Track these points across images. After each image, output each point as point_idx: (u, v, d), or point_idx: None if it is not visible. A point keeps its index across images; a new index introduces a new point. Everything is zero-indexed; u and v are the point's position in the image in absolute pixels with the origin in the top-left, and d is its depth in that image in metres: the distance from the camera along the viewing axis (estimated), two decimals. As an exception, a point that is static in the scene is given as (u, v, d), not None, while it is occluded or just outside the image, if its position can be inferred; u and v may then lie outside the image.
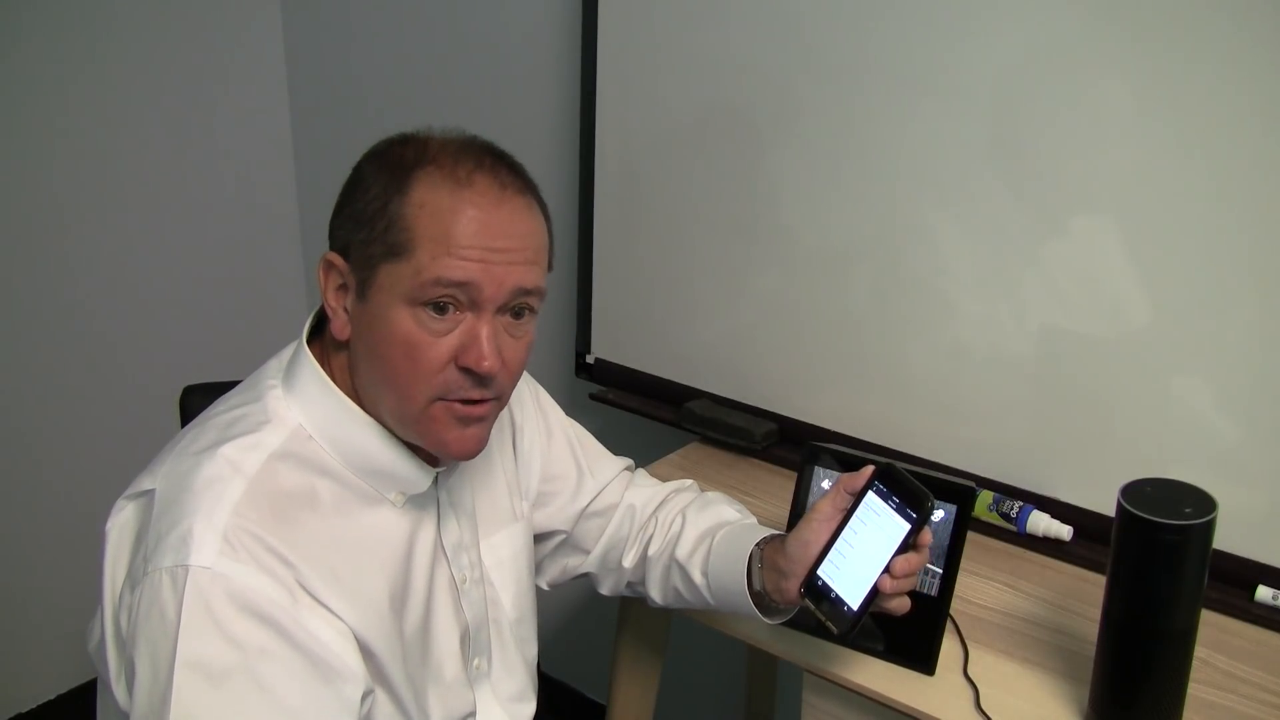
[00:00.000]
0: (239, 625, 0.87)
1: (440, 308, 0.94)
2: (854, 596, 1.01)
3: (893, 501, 1.02)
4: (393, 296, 0.94)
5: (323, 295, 0.99)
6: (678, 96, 1.67)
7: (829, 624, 1.02)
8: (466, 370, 0.95)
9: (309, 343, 1.02)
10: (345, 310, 0.97)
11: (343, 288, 0.97)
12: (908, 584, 1.02)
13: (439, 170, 0.95)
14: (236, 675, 0.87)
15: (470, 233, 0.93)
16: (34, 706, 2.24)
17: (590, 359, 1.88)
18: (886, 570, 1.00)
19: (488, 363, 0.94)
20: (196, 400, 1.34)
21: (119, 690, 0.93)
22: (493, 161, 0.98)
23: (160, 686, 0.86)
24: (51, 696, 2.25)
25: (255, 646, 0.88)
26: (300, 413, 0.98)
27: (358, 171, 0.99)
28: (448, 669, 1.07)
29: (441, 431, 0.97)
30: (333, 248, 0.98)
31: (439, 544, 1.07)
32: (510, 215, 0.96)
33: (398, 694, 1.00)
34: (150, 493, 0.95)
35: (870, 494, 1.04)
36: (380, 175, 0.96)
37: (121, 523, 0.96)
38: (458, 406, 0.97)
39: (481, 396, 0.97)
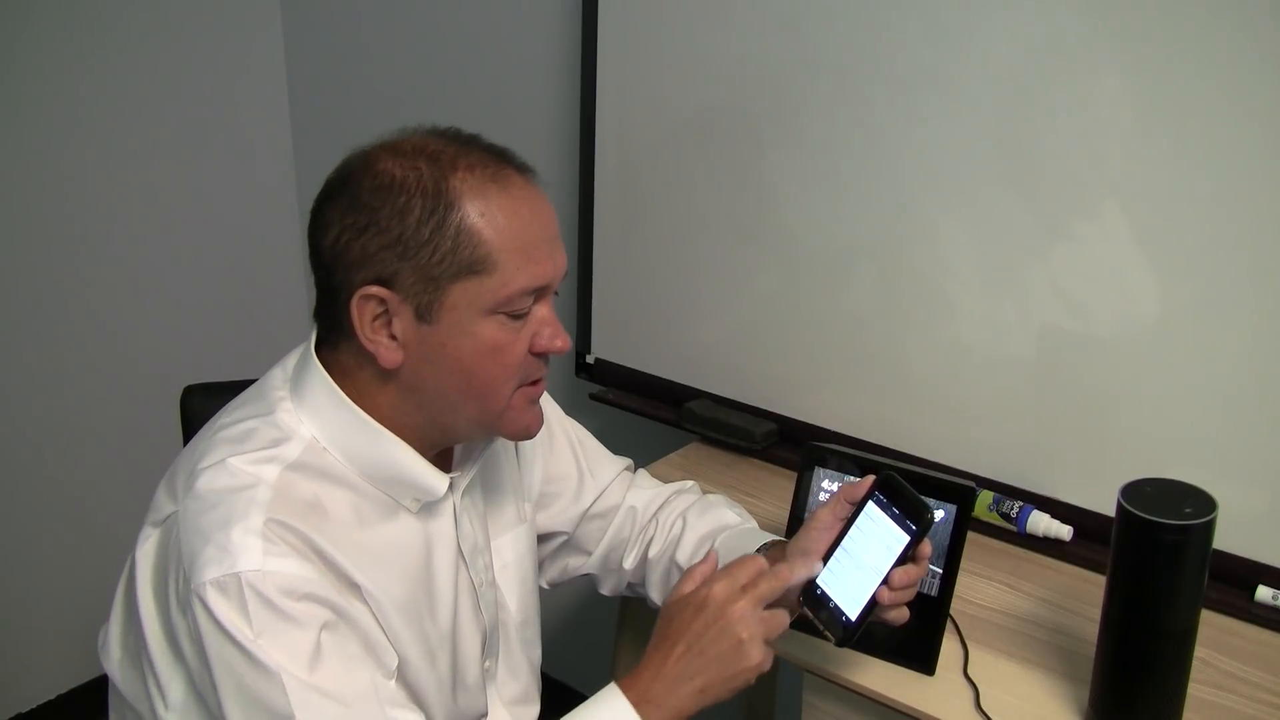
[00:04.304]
0: (302, 609, 0.89)
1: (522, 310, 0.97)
2: (852, 607, 1.01)
3: (892, 512, 1.02)
4: (472, 311, 0.94)
5: (359, 333, 0.95)
6: (678, 96, 1.67)
7: (827, 633, 1.02)
8: (537, 353, 0.99)
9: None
10: (393, 338, 0.95)
11: (381, 318, 0.94)
12: (906, 595, 1.02)
13: (470, 174, 0.94)
14: (325, 650, 0.89)
15: (539, 234, 0.96)
16: (35, 706, 2.23)
17: (590, 359, 1.88)
18: (885, 582, 1.00)
19: (561, 340, 0.99)
20: (196, 400, 1.34)
21: (163, 708, 0.94)
22: (494, 149, 0.98)
23: (261, 694, 0.87)
24: (52, 696, 2.24)
25: (320, 621, 0.90)
26: (313, 425, 0.98)
27: (362, 207, 0.93)
28: (470, 673, 1.08)
29: (522, 417, 1.02)
30: (360, 283, 0.93)
31: (458, 548, 1.08)
32: (543, 200, 0.98)
33: (420, 699, 1.01)
34: (175, 514, 0.95)
35: (870, 504, 1.04)
36: (410, 198, 0.92)
37: (148, 550, 0.97)
38: (529, 389, 1.01)
39: (545, 373, 1.02)
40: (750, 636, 0.94)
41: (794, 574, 1.00)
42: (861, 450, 1.35)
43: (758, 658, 0.95)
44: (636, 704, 0.94)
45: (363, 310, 0.94)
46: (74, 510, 2.18)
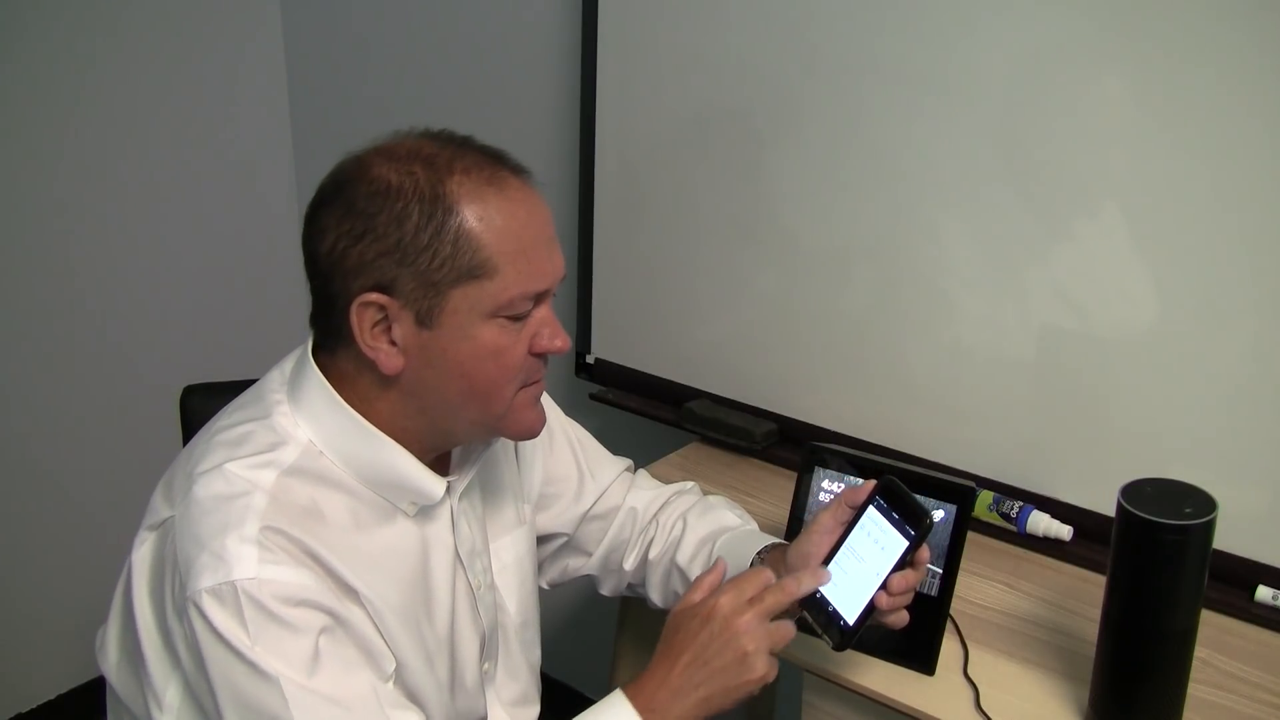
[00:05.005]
0: (299, 615, 0.89)
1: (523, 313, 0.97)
2: (851, 611, 1.01)
3: (892, 517, 1.02)
4: (473, 315, 0.94)
5: (359, 340, 0.94)
6: (678, 96, 1.67)
7: (825, 637, 1.03)
8: (537, 354, 0.99)
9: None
10: (393, 344, 0.95)
11: (381, 324, 0.94)
12: (904, 600, 1.02)
13: (466, 177, 0.93)
14: (323, 655, 0.89)
15: (537, 236, 0.95)
16: (35, 706, 2.24)
17: (590, 359, 1.88)
18: (883, 586, 1.00)
19: (560, 341, 0.99)
20: (196, 400, 1.34)
21: (159, 711, 0.94)
22: (489, 151, 0.98)
23: (259, 701, 0.88)
24: (52, 696, 2.25)
25: (317, 626, 0.90)
26: (310, 429, 0.98)
27: (358, 214, 0.92)
28: (469, 676, 1.08)
29: (524, 416, 1.01)
30: (359, 290, 0.93)
31: (456, 552, 1.07)
32: (540, 201, 0.98)
33: (419, 703, 1.00)
34: (171, 519, 0.95)
35: (871, 509, 1.05)
36: (407, 204, 0.92)
37: (145, 554, 0.97)
38: (531, 388, 1.01)
39: (544, 373, 1.02)
40: (756, 649, 0.95)
41: (801, 587, 1.01)
42: (861, 450, 1.35)
43: (762, 669, 0.96)
44: (642, 711, 0.95)
45: (362, 317, 0.94)
46: (73, 510, 2.18)
